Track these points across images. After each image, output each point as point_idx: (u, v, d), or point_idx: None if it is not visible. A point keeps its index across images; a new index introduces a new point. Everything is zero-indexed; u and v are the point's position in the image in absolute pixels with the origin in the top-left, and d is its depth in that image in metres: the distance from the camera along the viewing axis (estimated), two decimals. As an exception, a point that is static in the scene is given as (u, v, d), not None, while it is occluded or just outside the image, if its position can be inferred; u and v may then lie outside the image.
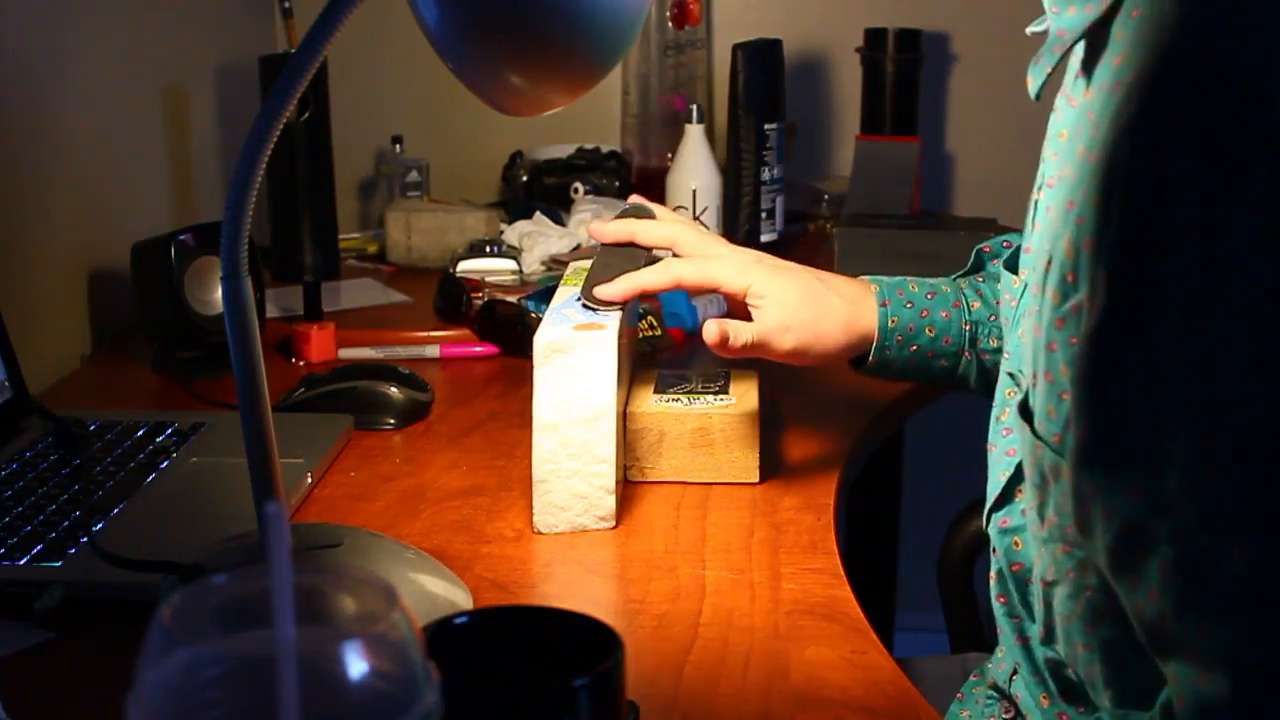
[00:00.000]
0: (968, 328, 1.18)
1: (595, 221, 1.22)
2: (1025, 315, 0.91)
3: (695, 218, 1.83)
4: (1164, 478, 0.74)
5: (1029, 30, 0.96)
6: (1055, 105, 0.93)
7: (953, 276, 1.22)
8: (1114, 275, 0.75)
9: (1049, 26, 0.89)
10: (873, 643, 0.93)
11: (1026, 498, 0.89)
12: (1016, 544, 0.95)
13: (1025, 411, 0.85)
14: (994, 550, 0.99)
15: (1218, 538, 0.73)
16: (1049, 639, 0.92)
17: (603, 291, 1.13)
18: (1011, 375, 0.98)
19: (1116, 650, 0.85)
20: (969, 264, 1.23)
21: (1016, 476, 0.95)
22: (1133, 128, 0.74)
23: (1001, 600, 0.98)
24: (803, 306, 1.14)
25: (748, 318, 1.15)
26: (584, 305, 1.13)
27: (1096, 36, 0.83)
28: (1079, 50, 0.87)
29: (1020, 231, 1.02)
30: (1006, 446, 0.99)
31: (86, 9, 1.58)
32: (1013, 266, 1.03)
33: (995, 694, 1.07)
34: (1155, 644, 0.79)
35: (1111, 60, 0.80)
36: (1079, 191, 0.78)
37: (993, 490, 0.99)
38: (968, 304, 1.19)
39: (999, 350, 1.17)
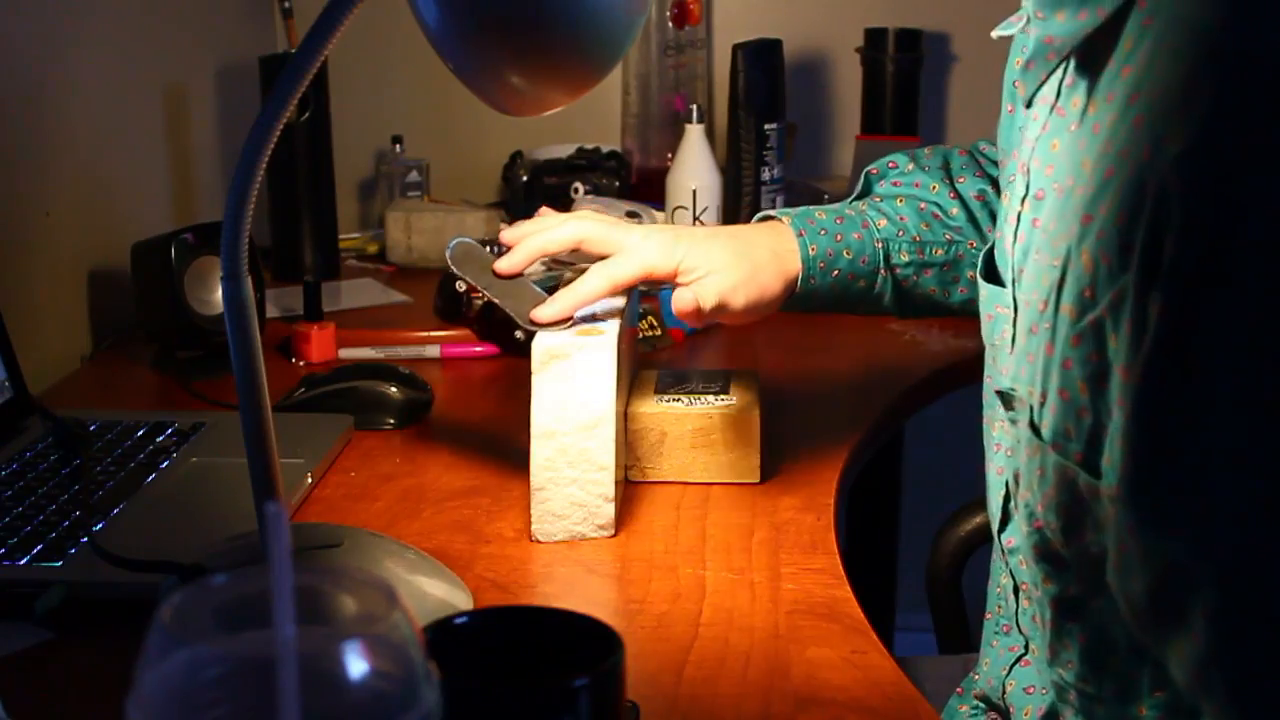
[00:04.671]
0: (879, 245, 1.17)
1: (502, 260, 1.13)
2: (1029, 333, 0.85)
3: (695, 218, 1.83)
4: (1212, 521, 0.69)
5: (995, 34, 0.94)
6: (1031, 114, 0.89)
7: (847, 201, 1.22)
8: (1170, 305, 0.70)
9: (1032, 34, 0.85)
10: (873, 643, 0.92)
11: (1024, 517, 0.86)
12: (1022, 564, 0.93)
13: (1035, 430, 0.82)
14: (1006, 567, 0.98)
15: (1263, 587, 0.69)
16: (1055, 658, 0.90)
17: (544, 314, 1.09)
18: (1002, 394, 0.91)
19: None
20: (859, 188, 1.23)
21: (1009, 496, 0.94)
22: (1181, 144, 0.69)
23: (1036, 620, 0.95)
24: (737, 266, 1.12)
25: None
26: (523, 334, 1.09)
27: (1094, 46, 0.80)
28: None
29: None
30: (998, 465, 0.97)
31: (86, 9, 1.58)
32: (989, 276, 0.98)
33: (983, 704, 1.06)
34: (1201, 686, 0.73)
35: (1121, 71, 0.77)
36: (1098, 207, 0.74)
37: (994, 512, 0.98)
38: (874, 223, 1.18)
39: (910, 265, 1.17)
